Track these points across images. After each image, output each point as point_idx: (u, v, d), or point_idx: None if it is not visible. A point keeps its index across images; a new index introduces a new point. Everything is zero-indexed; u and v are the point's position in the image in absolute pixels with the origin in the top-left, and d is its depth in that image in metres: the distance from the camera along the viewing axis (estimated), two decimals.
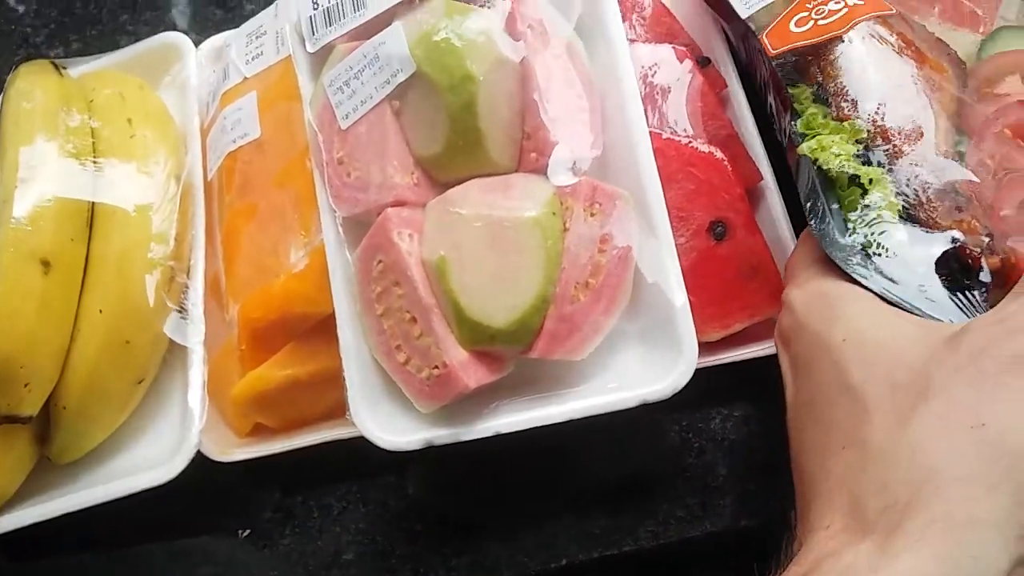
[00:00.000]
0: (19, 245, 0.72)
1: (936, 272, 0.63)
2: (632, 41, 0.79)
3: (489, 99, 0.66)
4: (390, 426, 0.68)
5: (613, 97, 0.71)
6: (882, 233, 0.64)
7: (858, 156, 0.67)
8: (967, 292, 0.63)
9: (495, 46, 0.67)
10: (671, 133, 0.76)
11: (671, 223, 0.68)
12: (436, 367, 0.65)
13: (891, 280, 0.63)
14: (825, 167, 0.67)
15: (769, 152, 0.79)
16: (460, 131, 0.67)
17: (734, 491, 0.74)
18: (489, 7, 0.70)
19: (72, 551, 0.79)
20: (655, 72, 0.77)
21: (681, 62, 0.78)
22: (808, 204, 0.67)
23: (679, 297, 0.66)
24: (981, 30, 0.76)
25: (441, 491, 0.79)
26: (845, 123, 0.68)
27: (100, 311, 0.75)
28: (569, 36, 0.72)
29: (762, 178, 0.78)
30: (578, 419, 0.66)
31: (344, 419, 0.68)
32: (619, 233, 0.66)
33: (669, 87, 0.77)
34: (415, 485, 0.79)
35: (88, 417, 0.77)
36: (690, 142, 0.74)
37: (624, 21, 0.79)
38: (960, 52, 0.75)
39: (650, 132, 0.70)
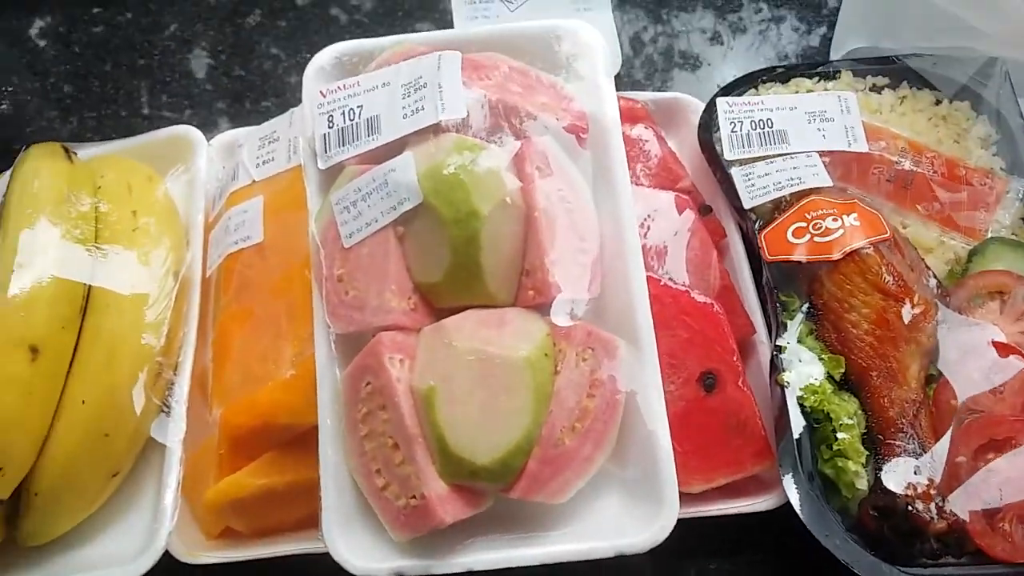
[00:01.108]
0: (9, 331, 0.72)
1: (887, 535, 0.68)
2: (637, 185, 0.81)
3: (492, 235, 0.68)
4: (361, 550, 0.67)
5: (614, 242, 0.73)
6: (844, 477, 0.70)
7: (835, 393, 0.72)
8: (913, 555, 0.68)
9: (502, 185, 0.69)
10: (668, 280, 0.77)
11: (663, 370, 0.70)
12: (414, 497, 0.65)
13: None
14: (802, 401, 0.71)
15: (763, 305, 0.80)
16: (461, 263, 0.68)
17: None
18: (499, 145, 0.71)
19: None
20: (655, 220, 0.79)
21: (682, 212, 0.80)
22: (775, 431, 0.72)
23: (665, 445, 0.67)
24: (978, 230, 0.80)
25: None
26: (828, 355, 0.73)
27: (83, 402, 0.74)
28: (576, 179, 0.73)
29: (755, 331, 0.79)
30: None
31: (316, 532, 0.68)
32: (610, 380, 0.67)
33: (668, 237, 0.79)
34: None
35: (59, 505, 0.76)
36: (687, 291, 0.76)
37: (630, 167, 0.81)
38: (951, 255, 0.80)
39: (648, 278, 0.71)
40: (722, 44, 1.08)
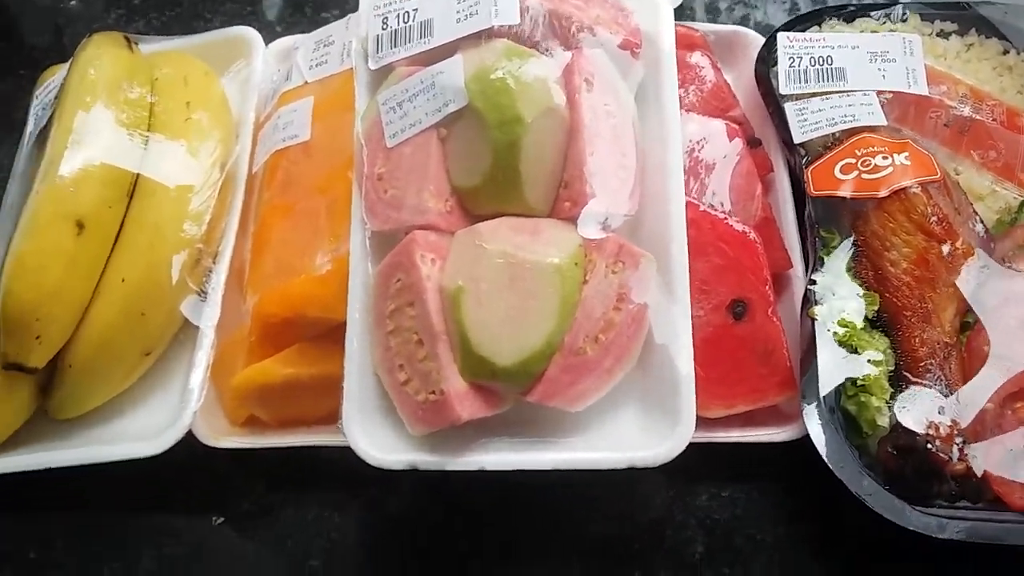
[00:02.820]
0: (58, 204, 0.75)
1: (904, 473, 0.67)
2: (687, 110, 0.81)
3: (534, 143, 0.68)
4: (379, 443, 0.69)
5: (657, 161, 0.72)
6: (866, 413, 0.69)
7: (865, 330, 0.71)
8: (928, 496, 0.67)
9: (548, 93, 0.68)
10: (708, 206, 0.76)
11: (693, 294, 0.70)
12: (433, 392, 0.66)
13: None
14: (833, 334, 0.71)
15: (803, 242, 0.80)
16: (501, 169, 0.68)
17: (708, 571, 0.73)
18: (550, 55, 0.71)
19: (48, 507, 0.80)
20: (704, 145, 0.79)
21: (731, 140, 0.79)
22: (801, 362, 0.72)
23: (686, 366, 0.67)
24: None
25: (421, 516, 0.78)
26: (864, 292, 0.72)
27: (123, 280, 0.76)
28: (623, 95, 0.73)
29: (791, 266, 0.79)
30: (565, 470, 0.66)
31: (337, 428, 0.69)
32: (637, 294, 0.67)
33: (715, 162, 0.79)
34: (397, 505, 0.79)
35: (92, 379, 0.78)
36: (726, 218, 0.75)
37: (682, 88, 0.81)
38: (1003, 204, 0.79)
39: (687, 202, 0.71)
40: None
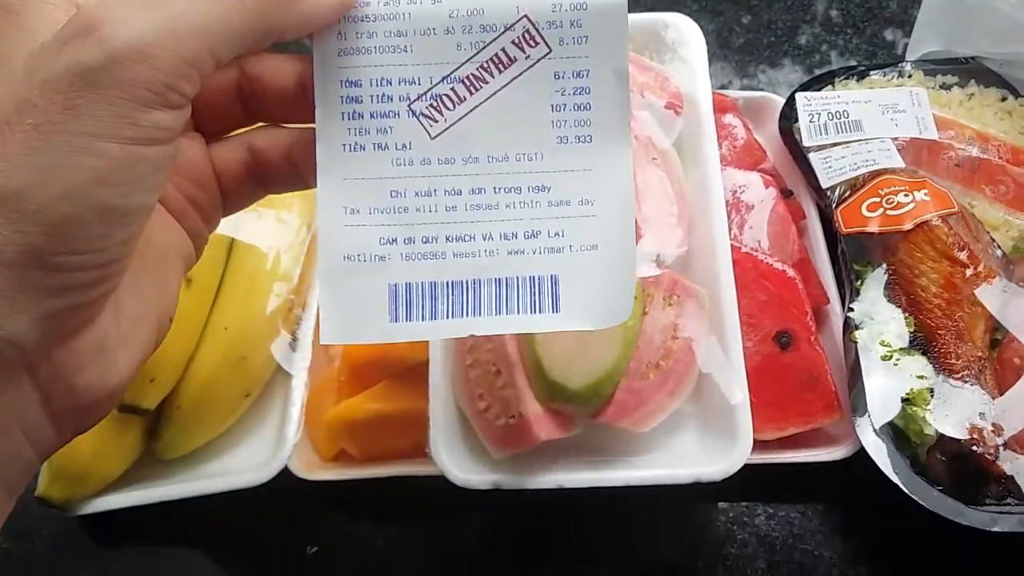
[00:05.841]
0: None
1: (953, 479, 0.71)
2: (724, 165, 0.88)
3: None
4: (463, 466, 0.73)
5: (701, 209, 0.78)
6: (913, 425, 0.73)
7: (904, 350, 0.76)
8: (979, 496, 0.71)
9: None
10: (751, 248, 0.82)
11: (741, 327, 0.74)
12: (513, 416, 0.71)
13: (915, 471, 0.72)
14: (875, 353, 0.75)
15: (838, 278, 0.85)
16: None
17: None
18: None
19: (150, 542, 0.85)
20: (743, 192, 0.85)
21: (767, 188, 0.85)
22: (849, 382, 0.76)
23: (739, 393, 0.71)
24: None
25: (491, 545, 0.83)
26: (901, 314, 0.77)
27: (225, 328, 0.82)
28: (669, 151, 0.80)
29: (828, 301, 0.83)
30: (635, 487, 0.71)
31: (420, 460, 0.75)
32: (690, 326, 0.73)
33: (754, 207, 0.84)
34: (473, 534, 0.83)
35: (197, 419, 0.83)
36: (766, 258, 0.81)
37: (718, 147, 0.88)
38: (1016, 232, 0.84)
39: (731, 244, 0.77)
40: None
